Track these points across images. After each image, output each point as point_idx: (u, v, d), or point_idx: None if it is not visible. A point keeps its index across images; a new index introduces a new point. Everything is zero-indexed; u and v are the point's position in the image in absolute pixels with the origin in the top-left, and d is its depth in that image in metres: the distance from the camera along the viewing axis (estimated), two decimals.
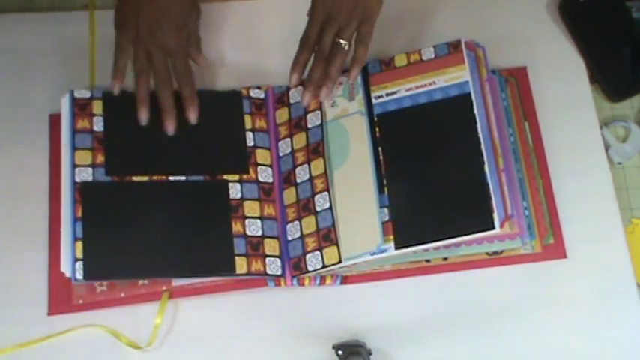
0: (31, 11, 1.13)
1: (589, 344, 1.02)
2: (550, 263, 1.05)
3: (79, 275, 0.99)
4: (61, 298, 1.03)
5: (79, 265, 0.99)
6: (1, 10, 1.18)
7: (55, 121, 1.10)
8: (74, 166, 1.03)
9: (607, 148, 1.12)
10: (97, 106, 1.06)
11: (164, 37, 1.01)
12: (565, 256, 1.05)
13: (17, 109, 1.12)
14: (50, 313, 1.03)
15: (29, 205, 1.08)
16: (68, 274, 0.99)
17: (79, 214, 1.01)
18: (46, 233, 1.06)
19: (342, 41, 1.02)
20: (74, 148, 1.04)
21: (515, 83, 1.13)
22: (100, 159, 1.04)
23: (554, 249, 1.05)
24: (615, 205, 1.08)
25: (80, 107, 1.06)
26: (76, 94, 1.06)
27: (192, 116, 1.05)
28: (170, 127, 1.05)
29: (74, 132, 1.04)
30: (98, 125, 1.05)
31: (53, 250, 1.04)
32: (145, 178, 1.04)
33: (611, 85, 1.15)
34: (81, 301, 1.03)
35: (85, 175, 1.03)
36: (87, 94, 1.06)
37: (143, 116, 1.04)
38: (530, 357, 1.02)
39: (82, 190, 1.02)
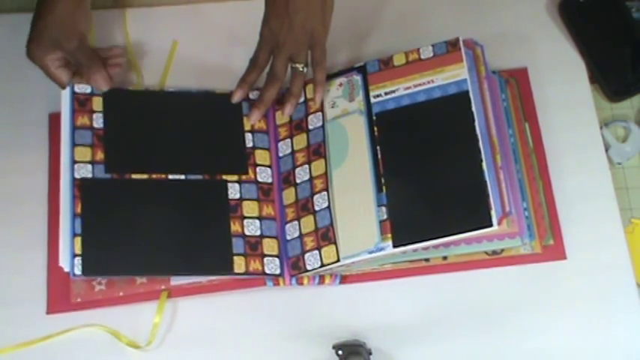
0: (31, 11, 1.12)
1: (589, 345, 1.02)
2: (550, 264, 1.05)
3: (78, 271, 0.99)
4: (60, 296, 1.03)
5: (78, 260, 0.99)
6: (1, 10, 1.18)
7: (54, 120, 1.10)
8: (74, 161, 1.03)
9: (607, 148, 1.12)
10: (97, 103, 1.07)
11: (35, 54, 1.05)
12: (565, 258, 1.05)
13: (17, 108, 1.12)
14: (49, 311, 1.03)
15: (28, 205, 1.08)
16: (67, 269, 1.00)
17: (79, 210, 1.01)
18: (45, 233, 1.06)
19: (298, 65, 1.06)
20: (74, 144, 1.04)
21: (516, 84, 1.13)
22: (100, 156, 1.04)
23: (554, 250, 1.05)
24: (615, 205, 1.08)
25: (80, 103, 1.07)
26: (77, 89, 1.07)
27: None
28: None
29: (74, 128, 1.05)
30: (98, 122, 1.06)
31: (52, 250, 1.04)
32: (145, 176, 1.04)
33: (611, 85, 1.15)
34: (79, 300, 1.03)
35: (85, 171, 1.03)
36: (87, 89, 1.07)
37: None
38: (530, 357, 1.02)
39: (82, 187, 1.02)
